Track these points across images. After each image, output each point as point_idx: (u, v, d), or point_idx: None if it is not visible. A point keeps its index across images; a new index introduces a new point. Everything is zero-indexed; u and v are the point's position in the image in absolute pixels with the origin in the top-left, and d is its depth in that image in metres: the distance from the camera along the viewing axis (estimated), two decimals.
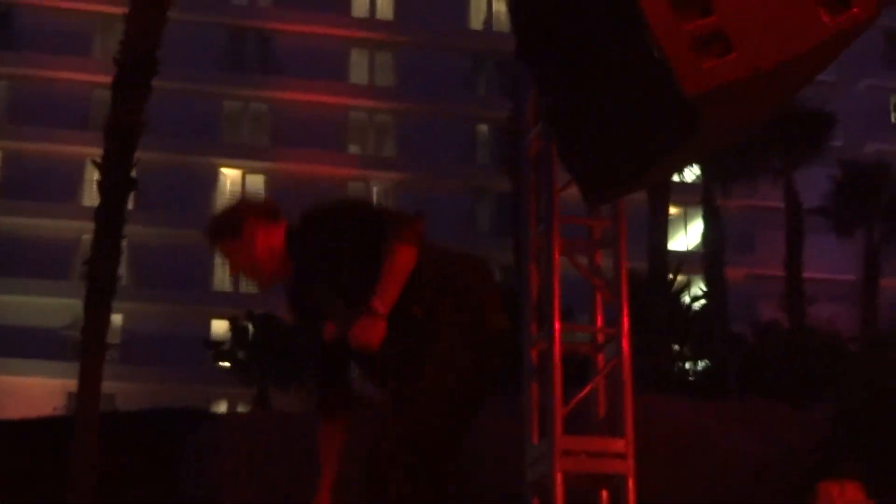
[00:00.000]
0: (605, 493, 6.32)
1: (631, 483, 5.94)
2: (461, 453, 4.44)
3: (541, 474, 6.06)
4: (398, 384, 4.34)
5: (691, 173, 39.18)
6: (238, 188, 44.07)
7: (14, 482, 24.39)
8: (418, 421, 4.26)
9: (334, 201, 4.58)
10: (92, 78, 40.46)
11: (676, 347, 31.95)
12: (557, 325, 6.16)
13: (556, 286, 6.28)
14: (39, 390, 37.97)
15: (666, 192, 32.05)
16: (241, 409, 36.73)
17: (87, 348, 21.03)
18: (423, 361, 4.30)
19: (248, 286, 42.19)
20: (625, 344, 6.23)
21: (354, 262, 4.37)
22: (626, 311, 6.24)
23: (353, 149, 45.76)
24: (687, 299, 34.86)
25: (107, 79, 23.22)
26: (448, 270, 4.44)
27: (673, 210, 37.53)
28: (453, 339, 4.32)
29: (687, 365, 32.50)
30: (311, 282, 4.58)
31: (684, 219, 45.54)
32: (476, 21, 48.10)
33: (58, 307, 38.69)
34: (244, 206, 4.67)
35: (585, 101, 5.64)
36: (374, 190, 44.78)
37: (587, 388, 6.35)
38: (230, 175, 44.28)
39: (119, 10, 24.35)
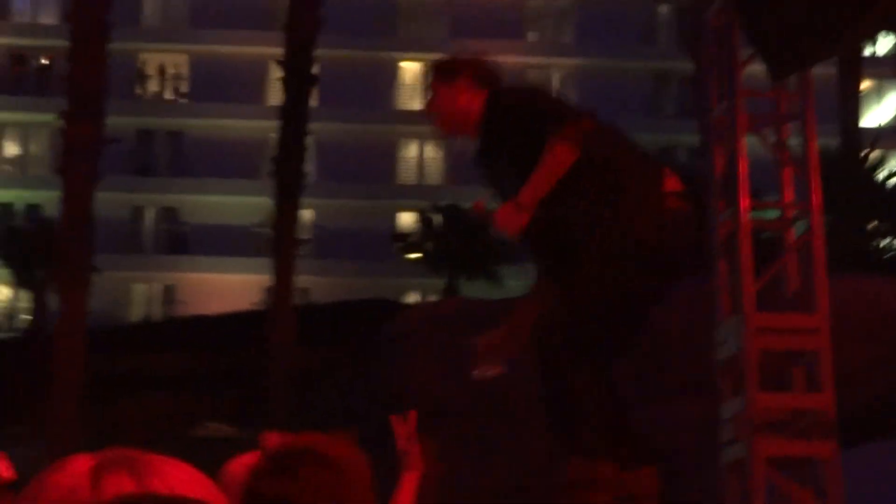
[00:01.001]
0: (798, 371, 6.20)
1: (825, 359, 5.81)
2: (633, 348, 4.48)
3: (732, 352, 5.98)
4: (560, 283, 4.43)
5: (885, 43, 37.63)
6: (418, 81, 44.22)
7: (216, 372, 25.37)
8: (583, 312, 4.31)
9: (526, 87, 4.64)
10: None
11: (871, 225, 31.06)
12: (744, 201, 6.03)
13: (742, 161, 6.13)
14: (237, 286, 39.21)
15: (857, 66, 30.83)
16: (431, 299, 37.25)
17: (279, 244, 21.59)
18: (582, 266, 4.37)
19: (431, 176, 42.64)
20: (815, 218, 6.06)
21: (529, 152, 4.39)
22: (816, 184, 6.07)
23: (532, 36, 45.29)
24: (882, 175, 33.78)
25: None
26: (610, 175, 4.41)
27: (865, 83, 36.15)
28: (606, 253, 4.33)
29: (883, 242, 31.59)
30: (492, 156, 4.66)
31: (877, 92, 43.84)
32: None
33: (251, 205, 39.70)
34: (468, 62, 4.80)
35: None
36: (554, 77, 44.35)
37: (778, 264, 6.21)
38: (410, 68, 44.43)
39: None
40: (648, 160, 4.63)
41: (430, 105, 4.80)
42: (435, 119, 4.79)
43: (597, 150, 4.39)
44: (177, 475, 1.45)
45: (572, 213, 4.41)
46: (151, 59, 43.27)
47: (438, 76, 4.76)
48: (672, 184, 4.52)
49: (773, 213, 6.76)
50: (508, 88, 4.69)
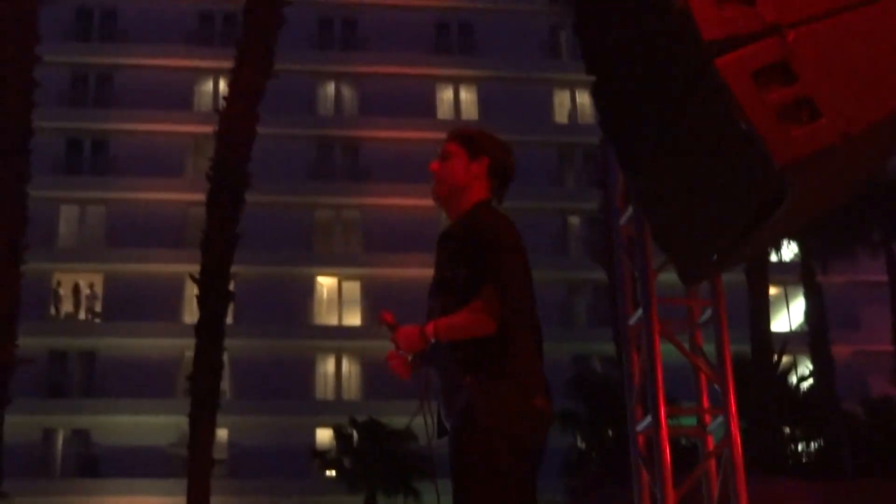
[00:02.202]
0: None
1: None
2: None
3: None
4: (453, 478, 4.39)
5: (789, 251, 38.71)
6: (334, 296, 44.40)
7: None
8: None
9: (501, 231, 4.55)
10: (186, 196, 41.32)
11: (787, 429, 31.31)
12: (662, 408, 6.05)
13: (659, 368, 6.17)
14: None
15: (764, 272, 31.55)
16: None
17: (193, 464, 21.14)
18: (467, 456, 4.35)
19: (349, 391, 42.36)
20: (733, 424, 6.08)
21: (460, 281, 4.47)
22: (731, 390, 6.11)
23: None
24: (794, 380, 34.25)
25: (201, 196, 23.67)
26: (511, 349, 4.43)
27: (773, 290, 36.99)
28: (492, 423, 4.33)
29: (799, 446, 31.81)
30: (444, 249, 4.71)
31: (785, 298, 44.85)
32: (560, 115, 48.34)
33: (165, 425, 39.06)
34: (497, 151, 4.73)
35: (675, 180, 5.59)
36: None
37: (698, 471, 6.20)
38: (326, 283, 44.65)
39: (210, 129, 24.90)
40: (538, 359, 4.62)
41: (436, 165, 4.76)
42: (435, 181, 4.76)
43: (514, 328, 4.40)
44: None
45: (458, 375, 4.43)
46: (66, 279, 43.07)
47: (463, 142, 4.73)
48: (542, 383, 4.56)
49: (689, 420, 6.78)
50: (492, 223, 4.57)
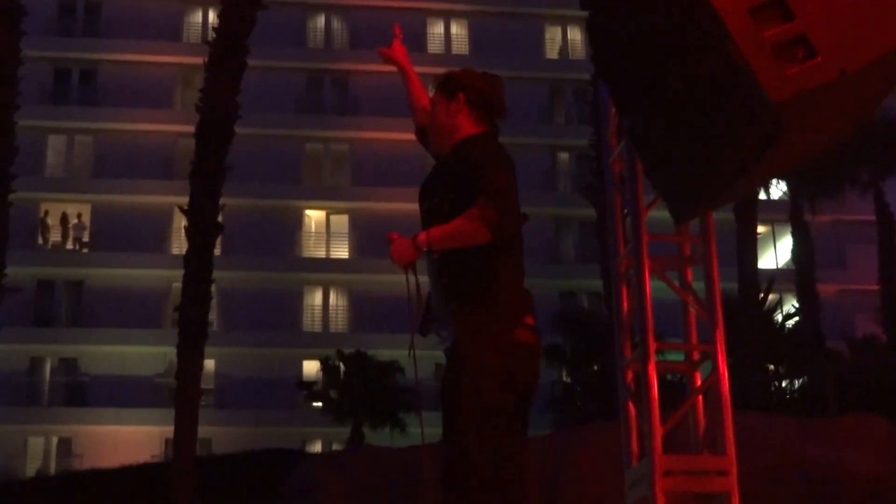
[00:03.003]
0: None
1: (735, 501, 5.81)
2: (524, 467, 4.41)
3: (642, 496, 5.96)
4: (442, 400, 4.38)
5: (778, 189, 38.76)
6: (322, 228, 44.39)
7: None
8: (468, 464, 4.26)
9: (499, 153, 4.62)
10: (175, 128, 41.17)
11: (772, 366, 31.52)
12: (651, 343, 6.08)
13: (648, 304, 6.20)
14: (137, 438, 38.43)
15: (753, 210, 31.57)
16: (335, 448, 36.83)
17: (181, 394, 21.24)
18: (455, 391, 4.33)
19: (336, 323, 42.49)
20: (721, 360, 6.12)
21: (447, 205, 4.49)
22: (720, 327, 6.14)
23: None
24: (780, 317, 34.42)
25: (189, 128, 23.59)
26: (497, 277, 4.44)
27: (761, 228, 37.06)
28: (479, 357, 4.32)
29: (784, 383, 32.05)
30: (437, 177, 4.76)
31: (773, 236, 44.97)
32: (551, 51, 48.12)
33: (152, 355, 39.19)
34: (472, 83, 4.79)
35: (668, 116, 5.58)
36: None
37: (685, 406, 6.25)
38: (314, 216, 44.63)
39: (199, 61, 24.75)
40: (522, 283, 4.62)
41: (431, 116, 4.88)
42: (429, 133, 4.89)
43: (500, 254, 4.40)
44: None
45: (447, 293, 4.46)
46: (53, 209, 42.96)
47: (440, 88, 4.83)
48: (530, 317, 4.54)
49: (675, 355, 6.82)
50: (481, 149, 4.64)
